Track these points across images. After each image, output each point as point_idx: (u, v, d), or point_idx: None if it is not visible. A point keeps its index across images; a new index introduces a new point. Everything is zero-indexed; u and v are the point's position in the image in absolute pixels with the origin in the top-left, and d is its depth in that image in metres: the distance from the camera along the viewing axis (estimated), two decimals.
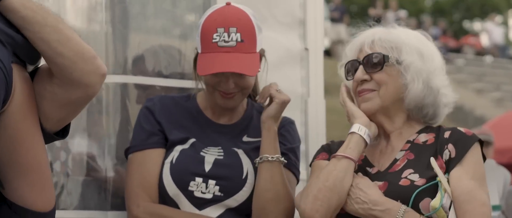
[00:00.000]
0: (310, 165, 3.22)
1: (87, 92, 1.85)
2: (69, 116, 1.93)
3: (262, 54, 3.27)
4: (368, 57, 3.07)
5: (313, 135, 3.87)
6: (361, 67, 3.07)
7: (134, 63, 3.69)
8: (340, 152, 3.01)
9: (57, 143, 3.54)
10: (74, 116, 1.96)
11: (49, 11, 1.84)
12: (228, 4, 3.23)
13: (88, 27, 3.59)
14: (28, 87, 1.84)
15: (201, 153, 3.19)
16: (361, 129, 3.01)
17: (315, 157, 3.18)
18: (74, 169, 3.54)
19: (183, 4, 3.84)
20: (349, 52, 3.14)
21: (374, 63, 3.05)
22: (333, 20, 24.04)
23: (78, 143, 3.58)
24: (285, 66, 3.84)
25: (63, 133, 1.99)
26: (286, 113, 3.38)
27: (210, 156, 3.18)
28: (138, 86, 3.67)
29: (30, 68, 1.90)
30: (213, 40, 3.13)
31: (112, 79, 3.47)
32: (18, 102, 1.80)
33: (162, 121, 3.26)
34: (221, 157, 3.20)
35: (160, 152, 3.21)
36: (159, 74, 3.67)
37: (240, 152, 3.23)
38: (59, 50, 1.81)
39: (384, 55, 3.05)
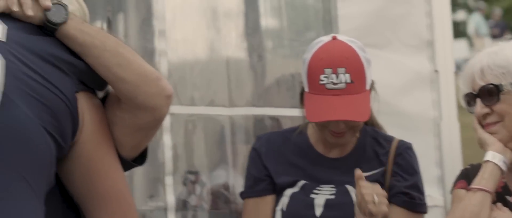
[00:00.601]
0: (451, 192, 3.07)
1: (154, 115, 1.81)
2: (143, 142, 1.88)
3: (372, 87, 3.13)
4: (482, 90, 2.89)
5: (448, 159, 3.75)
6: (478, 100, 2.91)
7: (266, 93, 3.70)
8: (475, 184, 2.85)
9: (191, 177, 3.61)
10: (148, 141, 1.92)
11: (108, 35, 1.83)
12: (334, 38, 3.07)
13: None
14: (99, 114, 1.82)
15: (311, 195, 3.06)
16: (496, 156, 2.84)
17: (454, 185, 3.01)
18: (209, 202, 3.58)
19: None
20: (463, 85, 3.00)
21: (489, 95, 2.88)
22: (494, 36, 23.39)
23: (215, 175, 3.62)
24: (414, 90, 3.76)
25: (141, 159, 1.96)
26: (418, 138, 3.28)
27: (321, 197, 3.06)
28: (272, 117, 3.67)
29: (101, 94, 1.90)
30: (321, 82, 3.00)
31: (249, 111, 3.47)
32: (89, 132, 1.79)
33: (269, 164, 3.14)
34: (333, 197, 3.07)
35: (269, 199, 3.10)
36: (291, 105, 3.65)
37: (353, 190, 3.04)
38: (121, 74, 1.78)
39: (497, 85, 2.87)
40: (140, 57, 1.83)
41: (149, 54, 3.57)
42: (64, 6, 1.81)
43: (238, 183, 3.57)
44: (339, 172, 3.11)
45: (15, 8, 1.79)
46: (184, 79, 3.66)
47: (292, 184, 3.09)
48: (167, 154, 3.50)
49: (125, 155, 1.86)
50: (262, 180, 3.11)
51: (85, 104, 1.79)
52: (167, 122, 3.48)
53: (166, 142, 3.50)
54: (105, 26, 3.54)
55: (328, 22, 3.72)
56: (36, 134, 1.67)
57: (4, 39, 1.71)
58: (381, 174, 3.10)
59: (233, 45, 3.75)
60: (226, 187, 3.63)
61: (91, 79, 1.81)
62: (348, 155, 3.15)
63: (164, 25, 3.59)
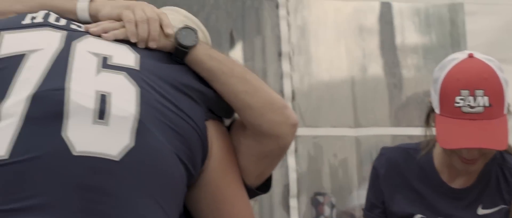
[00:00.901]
0: None
1: (279, 143, 1.78)
2: (267, 170, 1.84)
3: (509, 111, 2.92)
4: None
5: None
6: None
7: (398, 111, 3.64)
8: None
9: (319, 198, 3.59)
10: (271, 169, 1.88)
11: (235, 61, 1.81)
12: (470, 56, 2.79)
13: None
14: (226, 142, 1.81)
15: None
16: None
17: None
18: None
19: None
20: None
21: None
22: None
23: (344, 196, 3.58)
24: None
25: (265, 187, 1.95)
26: None
27: None
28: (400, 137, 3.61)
29: (227, 122, 1.90)
30: (456, 104, 2.72)
31: (375, 131, 3.46)
32: (216, 160, 1.77)
33: (386, 188, 2.91)
34: None
35: None
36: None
37: None
38: (247, 101, 1.77)
39: None
40: (266, 85, 1.81)
41: (274, 76, 3.56)
42: (194, 30, 1.80)
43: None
44: (460, 206, 2.86)
45: (146, 35, 1.79)
46: (308, 101, 3.63)
47: (408, 217, 2.94)
48: (292, 176, 3.48)
49: (250, 183, 1.84)
50: (377, 207, 2.96)
51: (213, 132, 1.78)
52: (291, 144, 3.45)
53: (290, 164, 3.48)
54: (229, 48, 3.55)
55: (456, 38, 3.62)
56: (170, 161, 1.68)
57: (138, 68, 1.72)
58: (504, 213, 2.89)
59: (358, 65, 3.69)
60: (354, 208, 3.57)
61: (219, 107, 1.81)
62: (471, 186, 2.88)
63: (289, 47, 3.57)
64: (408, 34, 3.86)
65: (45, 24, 1.78)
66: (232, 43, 3.60)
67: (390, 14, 3.80)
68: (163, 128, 1.69)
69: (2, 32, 1.76)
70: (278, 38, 3.60)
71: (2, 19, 1.84)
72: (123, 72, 1.70)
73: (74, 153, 1.59)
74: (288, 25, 3.60)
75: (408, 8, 3.78)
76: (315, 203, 3.62)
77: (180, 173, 1.71)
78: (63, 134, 1.60)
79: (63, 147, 1.59)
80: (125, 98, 1.66)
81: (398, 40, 3.81)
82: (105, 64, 1.70)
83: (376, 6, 3.78)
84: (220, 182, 1.80)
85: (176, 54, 1.80)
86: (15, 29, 1.78)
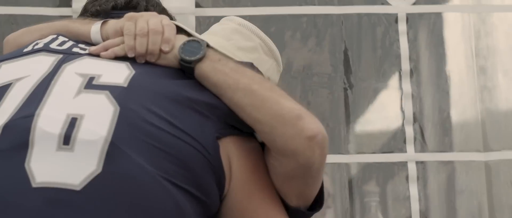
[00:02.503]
0: None
1: (299, 161, 1.58)
2: (305, 190, 1.66)
3: None
4: None
5: None
6: None
7: None
8: None
9: None
10: (311, 189, 1.66)
11: (245, 71, 1.65)
12: None
13: None
14: (252, 160, 1.64)
15: None
16: None
17: None
18: None
19: None
20: None
21: None
22: None
23: None
24: None
25: (318, 205, 1.70)
26: None
27: None
28: None
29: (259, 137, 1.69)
30: None
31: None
32: (239, 181, 1.61)
33: None
34: None
35: None
36: None
37: None
38: (255, 115, 1.60)
39: None
40: (282, 94, 1.63)
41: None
42: (200, 42, 1.67)
43: None
44: None
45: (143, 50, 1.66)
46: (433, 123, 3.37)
47: None
48: (414, 206, 3.21)
49: (294, 204, 1.66)
50: None
51: (233, 150, 1.62)
52: (412, 170, 3.21)
53: (412, 194, 3.22)
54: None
55: None
56: (153, 187, 1.50)
57: (125, 85, 1.59)
58: None
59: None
60: None
61: (237, 121, 1.64)
62: None
63: (408, 65, 3.33)
64: None
65: (42, 49, 1.69)
66: (346, 62, 3.37)
67: None
68: (147, 150, 1.52)
69: (1, 63, 1.67)
70: (397, 56, 3.36)
71: (12, 51, 1.76)
72: (105, 91, 1.56)
73: (34, 185, 1.44)
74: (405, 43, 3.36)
75: None
76: None
77: (173, 199, 1.51)
78: (26, 165, 1.46)
79: (24, 180, 1.45)
80: (98, 120, 1.52)
81: None
82: (90, 84, 1.58)
83: None
84: (245, 205, 1.62)
85: (184, 69, 1.65)
86: (14, 58, 1.69)
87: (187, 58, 1.64)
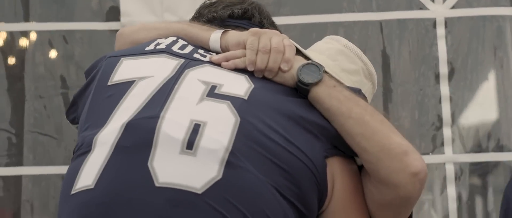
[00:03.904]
0: None
1: (399, 194, 1.63)
2: (396, 217, 1.71)
3: None
4: None
5: None
6: None
7: None
8: None
9: None
10: (401, 216, 1.71)
11: (359, 101, 1.69)
12: None
13: None
14: (352, 182, 1.69)
15: None
16: None
17: None
18: None
19: None
20: None
21: None
22: None
23: None
24: None
25: None
26: None
27: None
28: None
29: (359, 161, 1.75)
30: None
31: None
32: (339, 200, 1.67)
33: None
34: None
35: None
36: None
37: None
38: (363, 145, 1.65)
39: None
40: (392, 129, 1.68)
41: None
42: (318, 66, 1.71)
43: None
44: None
45: (262, 66, 1.71)
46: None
47: None
48: (451, 207, 3.27)
49: None
50: None
51: (337, 170, 1.68)
52: (450, 170, 3.27)
53: (450, 193, 3.27)
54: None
55: None
56: (266, 196, 1.58)
57: (245, 98, 1.65)
58: None
59: None
60: None
61: (343, 145, 1.69)
62: None
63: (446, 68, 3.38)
64: None
65: (164, 51, 1.73)
66: (384, 64, 3.43)
67: None
68: (262, 162, 1.59)
69: (122, 58, 1.72)
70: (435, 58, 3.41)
71: (132, 47, 1.80)
72: (227, 101, 1.62)
73: (157, 184, 1.52)
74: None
75: None
76: None
77: (282, 210, 1.59)
78: (149, 164, 1.53)
79: (147, 177, 1.52)
80: (220, 129, 1.58)
81: None
82: (212, 93, 1.63)
83: None
84: None
85: (298, 90, 1.70)
86: (135, 55, 1.74)
87: (305, 80, 1.69)
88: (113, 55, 1.75)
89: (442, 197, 3.32)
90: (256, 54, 1.71)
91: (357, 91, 1.75)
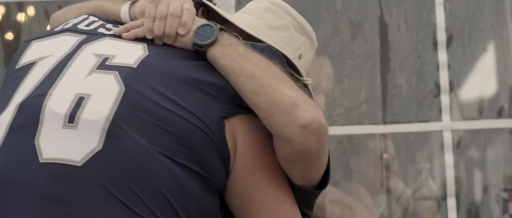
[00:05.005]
0: None
1: (293, 147, 1.60)
2: (308, 173, 1.67)
3: None
4: None
5: None
6: None
7: None
8: None
9: (504, 195, 3.34)
10: (313, 172, 1.68)
11: (254, 57, 1.67)
12: None
13: None
14: (259, 139, 1.66)
15: None
16: None
17: None
18: None
19: None
20: None
21: None
22: None
23: None
24: None
25: (322, 185, 1.72)
26: None
27: None
28: None
29: None
30: None
31: None
32: (243, 159, 1.64)
33: None
34: None
35: None
36: None
37: None
38: (254, 101, 1.64)
39: None
40: (284, 81, 1.66)
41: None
42: (213, 26, 1.71)
43: None
44: None
45: (159, 32, 1.72)
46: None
47: None
48: (449, 174, 3.24)
49: (299, 183, 1.68)
50: None
51: (239, 129, 1.66)
52: (448, 138, 3.25)
53: (447, 161, 3.25)
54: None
55: None
56: (154, 164, 1.56)
57: (135, 66, 1.65)
58: None
59: None
60: None
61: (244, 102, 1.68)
62: None
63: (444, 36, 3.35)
64: None
65: (69, 29, 1.75)
66: (382, 31, 3.41)
67: None
68: (147, 129, 1.58)
69: (33, 41, 1.74)
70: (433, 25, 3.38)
71: (46, 30, 1.83)
72: (115, 71, 1.62)
73: (41, 160, 1.52)
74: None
75: None
76: (499, 199, 3.40)
77: (174, 175, 1.57)
78: (35, 141, 1.53)
79: (33, 155, 1.53)
80: (102, 99, 1.57)
81: None
82: (103, 65, 1.64)
83: None
84: (247, 183, 1.65)
85: (197, 52, 1.70)
86: (44, 37, 1.76)
87: (199, 42, 1.69)
88: (27, 39, 1.77)
89: (440, 165, 3.29)
90: (153, 21, 1.72)
91: (264, 48, 1.74)
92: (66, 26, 1.77)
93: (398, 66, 3.41)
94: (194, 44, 1.70)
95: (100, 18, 1.80)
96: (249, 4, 2.02)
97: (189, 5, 1.75)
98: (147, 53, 1.68)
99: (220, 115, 1.64)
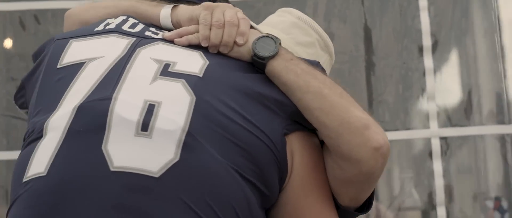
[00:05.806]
0: None
1: (361, 169, 1.58)
2: (360, 195, 1.65)
3: None
4: None
5: None
6: None
7: None
8: None
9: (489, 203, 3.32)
10: (366, 194, 1.65)
11: (318, 74, 1.65)
12: None
13: None
14: (314, 157, 1.64)
15: None
16: None
17: None
18: None
19: None
20: None
21: None
22: None
23: None
24: None
25: (366, 207, 1.71)
26: None
27: None
28: None
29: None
30: None
31: None
32: (298, 177, 1.61)
33: None
34: None
35: None
36: None
37: None
38: (322, 120, 1.59)
39: None
40: (352, 101, 1.62)
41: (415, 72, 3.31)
42: (274, 39, 1.66)
43: None
44: None
45: (217, 41, 1.65)
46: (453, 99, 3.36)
47: None
48: (438, 182, 3.21)
49: (345, 204, 1.66)
50: None
51: (297, 146, 1.61)
52: (436, 146, 3.21)
53: (436, 169, 3.22)
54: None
55: None
56: (226, 179, 1.53)
57: (200, 75, 1.59)
58: None
59: None
60: None
61: (305, 119, 1.63)
62: None
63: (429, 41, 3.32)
64: None
65: (114, 30, 1.66)
66: (367, 37, 3.37)
67: None
68: (220, 142, 1.54)
69: (71, 40, 1.66)
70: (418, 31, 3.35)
71: (81, 27, 1.73)
72: (181, 79, 1.57)
73: (112, 169, 1.45)
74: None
75: None
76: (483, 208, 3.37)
77: (243, 191, 1.54)
78: (103, 148, 1.47)
79: (102, 162, 1.46)
80: (175, 109, 1.52)
81: None
82: (165, 71, 1.58)
83: None
84: (300, 202, 1.61)
85: (254, 65, 1.65)
86: (84, 36, 1.67)
87: (261, 54, 1.65)
88: (61, 37, 1.68)
89: (429, 171, 3.27)
90: (210, 29, 1.66)
91: (315, 64, 1.70)
92: (109, 27, 1.68)
93: (383, 73, 3.37)
94: (254, 55, 1.64)
95: (139, 21, 1.72)
96: (272, 18, 1.96)
97: (244, 15, 1.70)
98: (208, 62, 1.62)
99: (282, 131, 1.59)
